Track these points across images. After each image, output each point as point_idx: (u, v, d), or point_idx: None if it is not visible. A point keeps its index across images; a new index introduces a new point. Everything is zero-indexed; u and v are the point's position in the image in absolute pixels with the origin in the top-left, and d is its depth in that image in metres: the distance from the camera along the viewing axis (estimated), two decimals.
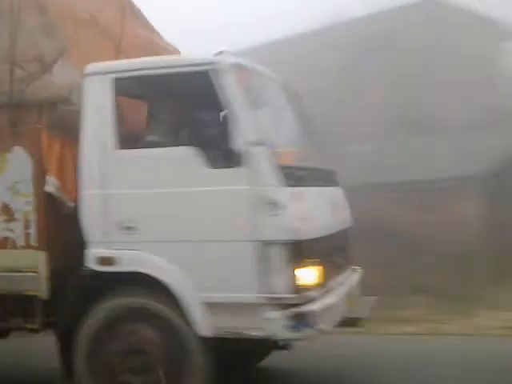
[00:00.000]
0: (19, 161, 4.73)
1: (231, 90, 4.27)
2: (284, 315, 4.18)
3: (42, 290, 4.61)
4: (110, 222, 4.49)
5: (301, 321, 4.18)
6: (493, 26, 18.03)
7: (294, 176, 4.37)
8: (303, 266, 4.26)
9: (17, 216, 4.72)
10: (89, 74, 4.65)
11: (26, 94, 4.65)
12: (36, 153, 4.67)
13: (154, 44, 5.97)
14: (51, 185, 4.60)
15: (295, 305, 4.22)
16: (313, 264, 4.34)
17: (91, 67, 4.64)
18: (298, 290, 4.22)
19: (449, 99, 15.23)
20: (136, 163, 4.48)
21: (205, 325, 4.28)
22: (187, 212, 4.35)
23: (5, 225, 4.75)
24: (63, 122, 4.64)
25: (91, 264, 4.51)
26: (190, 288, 4.29)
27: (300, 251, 4.21)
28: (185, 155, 4.33)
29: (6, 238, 4.75)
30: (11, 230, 4.73)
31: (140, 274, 4.41)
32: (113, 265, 4.46)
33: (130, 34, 5.64)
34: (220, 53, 4.41)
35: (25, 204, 4.70)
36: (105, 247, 4.50)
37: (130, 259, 4.43)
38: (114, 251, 4.47)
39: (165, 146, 4.47)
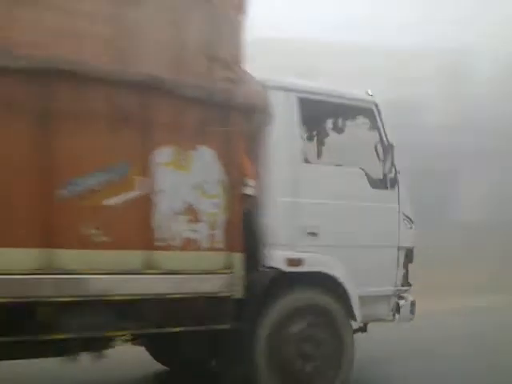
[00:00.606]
0: (205, 160, 4.67)
1: (384, 127, 5.54)
2: (408, 303, 5.67)
3: (237, 290, 4.73)
4: (297, 227, 5.05)
5: (412, 308, 5.76)
6: None
7: None
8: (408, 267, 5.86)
9: (202, 217, 4.65)
10: (274, 88, 5.04)
11: (235, 96, 4.67)
12: (225, 154, 4.74)
13: None
14: (251, 188, 4.81)
15: (402, 296, 5.76)
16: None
17: (275, 82, 5.05)
18: (408, 283, 5.79)
19: None
20: (322, 177, 5.19)
21: (359, 316, 5.36)
22: (356, 222, 5.35)
23: (189, 225, 4.61)
24: (258, 130, 4.90)
25: (279, 264, 4.96)
26: (354, 285, 5.30)
27: (411, 256, 5.80)
28: (358, 175, 5.34)
29: (188, 239, 4.60)
30: (195, 231, 4.63)
31: (316, 273, 5.14)
32: (300, 266, 5.04)
33: None
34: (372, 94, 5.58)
35: (211, 205, 4.69)
36: (291, 249, 5.03)
37: (314, 261, 5.12)
38: (302, 253, 5.06)
39: (340, 165, 5.34)
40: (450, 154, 18.77)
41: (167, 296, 4.44)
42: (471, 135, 19.41)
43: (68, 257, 4.04)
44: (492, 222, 17.81)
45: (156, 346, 5.90)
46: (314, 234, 5.13)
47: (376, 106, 5.53)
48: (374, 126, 5.53)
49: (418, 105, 21.04)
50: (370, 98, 5.57)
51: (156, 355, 6.14)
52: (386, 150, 5.50)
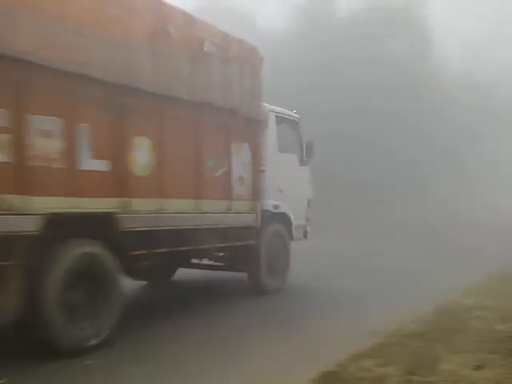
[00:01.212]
0: (246, 150, 8.82)
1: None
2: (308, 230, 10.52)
3: (258, 223, 9.04)
4: (275, 187, 9.78)
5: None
6: None
7: None
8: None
9: (244, 182, 8.79)
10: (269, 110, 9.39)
11: (260, 115, 9.06)
12: (253, 147, 8.97)
13: None
14: (263, 166, 9.14)
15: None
16: None
17: (268, 107, 9.50)
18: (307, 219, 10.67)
19: None
20: (283, 160, 9.97)
21: (293, 236, 10.14)
22: (294, 184, 10.31)
23: (240, 187, 8.69)
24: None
25: (270, 208, 9.55)
26: (294, 220, 10.09)
27: (311, 204, 10.59)
28: (295, 159, 10.21)
29: (240, 194, 8.70)
30: (242, 190, 8.75)
31: (282, 213, 9.74)
32: (278, 209, 9.69)
33: None
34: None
35: (247, 175, 8.81)
36: (273, 200, 9.46)
37: (283, 207, 9.90)
38: (279, 202, 9.57)
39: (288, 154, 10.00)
40: None
41: (233, 226, 8.39)
42: None
43: (205, 204, 7.75)
44: None
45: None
46: (281, 192, 9.48)
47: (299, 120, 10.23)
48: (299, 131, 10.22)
49: None
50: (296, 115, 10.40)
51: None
52: (308, 145, 10.36)
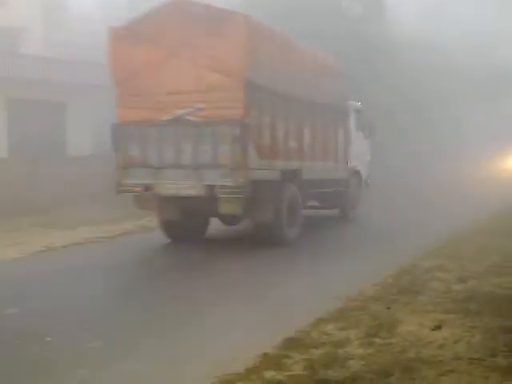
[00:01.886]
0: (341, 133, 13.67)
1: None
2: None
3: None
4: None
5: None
6: None
7: None
8: None
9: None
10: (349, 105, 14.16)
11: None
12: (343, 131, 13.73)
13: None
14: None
15: None
16: None
17: (350, 104, 14.29)
18: None
19: None
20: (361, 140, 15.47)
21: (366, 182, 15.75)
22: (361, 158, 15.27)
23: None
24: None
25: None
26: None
27: None
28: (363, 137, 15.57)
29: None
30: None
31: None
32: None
33: None
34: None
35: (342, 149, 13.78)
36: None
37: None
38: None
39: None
40: None
41: (337, 177, 13.29)
42: None
43: (327, 164, 12.58)
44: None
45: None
46: (357, 157, 14.39)
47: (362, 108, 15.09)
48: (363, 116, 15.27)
49: None
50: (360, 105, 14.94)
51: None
52: (371, 126, 15.48)
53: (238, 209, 9.54)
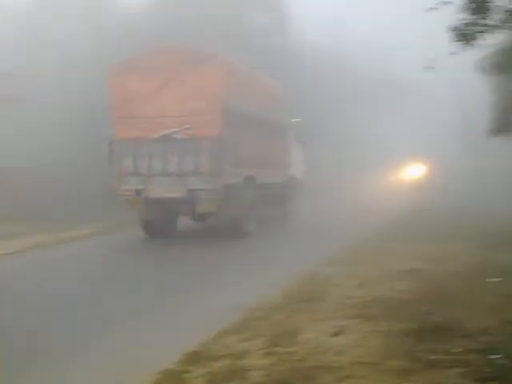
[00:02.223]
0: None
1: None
2: None
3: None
4: None
5: None
6: None
7: None
8: None
9: None
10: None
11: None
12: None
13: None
14: None
15: None
16: None
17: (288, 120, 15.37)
18: None
19: None
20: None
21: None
22: None
23: None
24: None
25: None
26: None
27: None
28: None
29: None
30: None
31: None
32: None
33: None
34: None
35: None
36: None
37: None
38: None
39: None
40: None
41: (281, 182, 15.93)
42: None
43: (273, 171, 15.08)
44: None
45: None
46: (294, 164, 17.29)
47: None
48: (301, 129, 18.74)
49: None
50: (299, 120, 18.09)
51: None
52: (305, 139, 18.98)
53: (214, 208, 11.96)
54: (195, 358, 5.01)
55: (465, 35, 7.13)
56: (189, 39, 19.76)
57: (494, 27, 7.19)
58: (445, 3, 7.16)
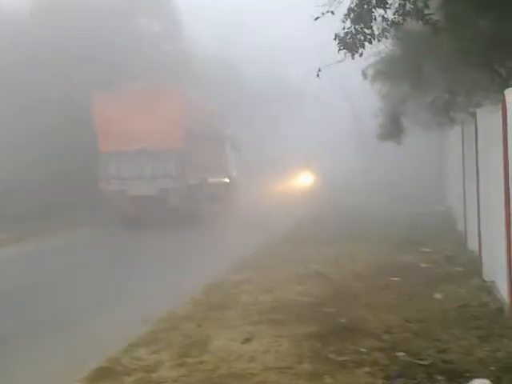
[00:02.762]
0: None
1: None
2: None
3: None
4: None
5: None
6: None
7: None
8: None
9: None
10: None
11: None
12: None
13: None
14: None
15: None
16: None
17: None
18: None
19: None
20: None
21: None
22: None
23: None
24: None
25: None
26: None
27: None
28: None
29: None
30: None
31: None
32: None
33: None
34: None
35: None
36: None
37: None
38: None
39: None
40: None
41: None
42: None
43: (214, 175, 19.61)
44: None
45: None
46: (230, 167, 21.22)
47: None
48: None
49: None
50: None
51: None
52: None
53: (179, 202, 15.87)
54: (104, 373, 4.85)
55: (348, 44, 7.34)
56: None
57: (375, 36, 7.43)
58: (328, 12, 7.34)
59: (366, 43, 7.35)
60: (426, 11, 7.13)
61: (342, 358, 4.88)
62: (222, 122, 21.27)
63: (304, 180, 20.11)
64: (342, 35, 7.33)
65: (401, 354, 4.90)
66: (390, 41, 9.58)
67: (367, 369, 4.61)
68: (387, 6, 7.18)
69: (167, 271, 9.65)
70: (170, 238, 13.83)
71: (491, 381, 4.23)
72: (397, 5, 7.33)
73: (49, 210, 17.14)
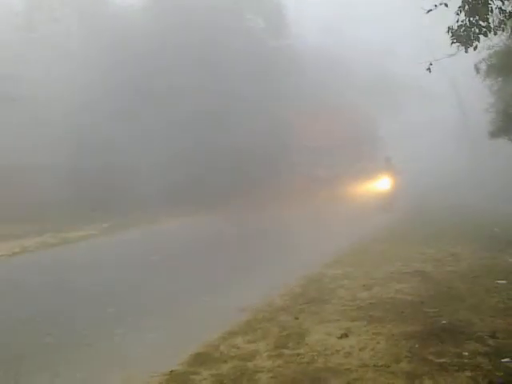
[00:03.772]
0: None
1: None
2: None
3: None
4: None
5: None
6: None
7: None
8: None
9: None
10: None
11: None
12: None
13: None
14: None
15: None
16: None
17: None
18: None
19: None
20: None
21: None
22: None
23: None
24: None
25: None
26: None
27: None
28: None
29: None
30: None
31: None
32: None
33: None
34: None
35: None
36: None
37: None
38: None
39: None
40: None
41: None
42: None
43: None
44: None
45: None
46: None
47: None
48: None
49: None
50: None
51: None
52: None
53: None
54: (203, 358, 4.99)
55: (461, 37, 7.07)
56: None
57: (491, 29, 7.10)
58: (441, 4, 7.10)
59: (481, 36, 7.05)
60: None
61: (441, 360, 4.72)
62: None
63: (382, 183, 19.28)
64: (456, 28, 7.07)
65: (506, 360, 4.67)
66: (505, 34, 9.12)
67: (469, 373, 4.44)
68: None
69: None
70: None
71: None
72: None
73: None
